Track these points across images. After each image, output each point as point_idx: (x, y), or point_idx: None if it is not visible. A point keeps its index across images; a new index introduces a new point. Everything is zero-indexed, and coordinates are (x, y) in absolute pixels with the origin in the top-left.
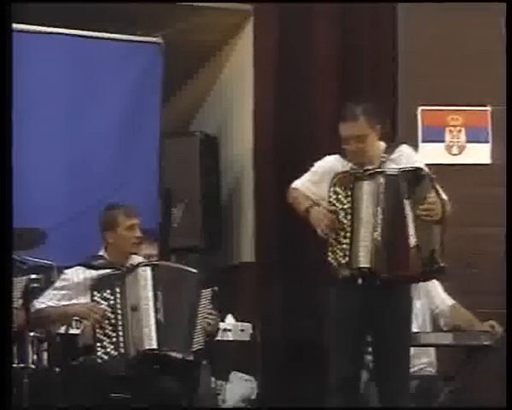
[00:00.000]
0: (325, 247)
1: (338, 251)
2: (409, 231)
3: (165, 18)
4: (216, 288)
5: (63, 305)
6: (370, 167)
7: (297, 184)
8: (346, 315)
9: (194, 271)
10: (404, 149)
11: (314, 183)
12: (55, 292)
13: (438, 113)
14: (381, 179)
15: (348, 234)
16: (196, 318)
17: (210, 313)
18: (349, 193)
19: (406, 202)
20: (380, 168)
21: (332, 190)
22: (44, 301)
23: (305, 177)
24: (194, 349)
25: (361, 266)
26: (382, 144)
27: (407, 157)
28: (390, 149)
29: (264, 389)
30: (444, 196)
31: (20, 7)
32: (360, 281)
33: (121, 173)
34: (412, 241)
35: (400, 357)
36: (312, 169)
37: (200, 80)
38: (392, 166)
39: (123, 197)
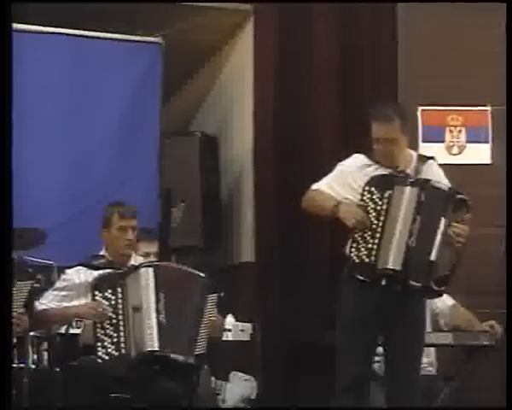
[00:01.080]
0: (325, 247)
1: (363, 249)
2: (434, 246)
3: (165, 18)
4: (222, 294)
5: (64, 306)
6: (407, 174)
7: (318, 185)
8: (362, 314)
9: (202, 275)
10: (434, 163)
11: (339, 182)
12: (55, 293)
13: (438, 113)
14: (425, 188)
15: (378, 234)
16: (201, 322)
17: (215, 319)
18: (385, 195)
19: (443, 220)
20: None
21: (367, 188)
22: (45, 303)
23: (329, 177)
24: (196, 353)
25: (390, 267)
26: (414, 153)
27: (435, 173)
28: (421, 159)
29: (264, 389)
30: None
31: (20, 7)
32: (384, 282)
33: (121, 173)
34: (433, 256)
35: (415, 361)
36: (337, 168)
37: (200, 80)
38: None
39: (123, 197)
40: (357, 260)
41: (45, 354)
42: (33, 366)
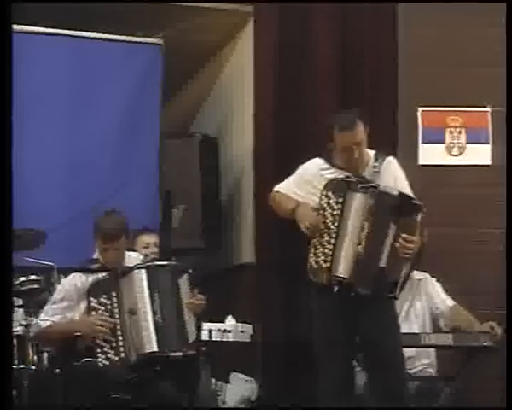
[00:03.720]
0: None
1: (320, 254)
2: (383, 252)
3: (165, 18)
4: (190, 270)
5: (66, 323)
6: (364, 178)
7: (280, 187)
8: (327, 319)
9: (165, 263)
10: (392, 161)
11: (299, 185)
12: (55, 306)
13: (438, 114)
14: (374, 195)
15: (333, 240)
16: (182, 309)
17: (192, 297)
18: (340, 200)
19: (392, 226)
20: (373, 181)
21: (324, 193)
22: (48, 318)
23: (290, 179)
24: (190, 341)
25: (338, 275)
26: (371, 152)
27: (393, 171)
28: (379, 158)
29: (264, 390)
30: (425, 234)
31: (20, 7)
32: (336, 289)
33: (121, 174)
34: (382, 262)
35: (393, 362)
36: (297, 172)
37: (200, 81)
38: (382, 177)
39: (123, 198)
40: (315, 266)
41: (45, 356)
42: (33, 368)
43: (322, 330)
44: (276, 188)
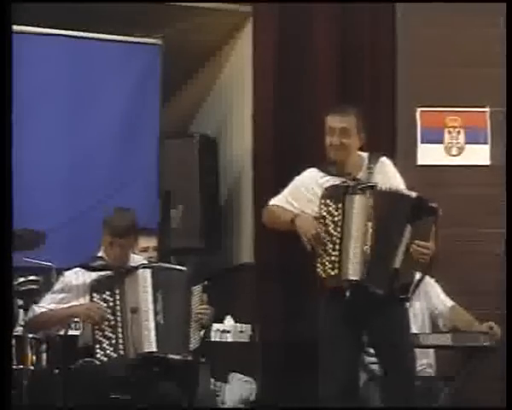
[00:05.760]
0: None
1: (327, 263)
2: (397, 253)
3: (165, 18)
4: (206, 282)
5: (61, 308)
6: (360, 181)
7: (276, 200)
8: (338, 327)
9: (183, 268)
10: (386, 161)
11: (295, 197)
12: (53, 295)
13: (437, 114)
14: (374, 194)
15: (337, 246)
16: (190, 316)
17: (202, 307)
18: (339, 205)
19: (407, 227)
20: (369, 181)
21: (322, 201)
22: (44, 305)
23: (285, 192)
24: (191, 348)
25: (350, 278)
26: (364, 154)
27: (387, 171)
28: (373, 159)
29: (263, 390)
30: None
31: (20, 7)
32: (348, 293)
33: (121, 174)
34: (396, 263)
35: (400, 364)
36: (292, 183)
37: (200, 81)
38: (376, 178)
39: (123, 198)
40: (323, 275)
41: (44, 356)
42: (32, 368)
43: (333, 337)
44: (272, 202)
